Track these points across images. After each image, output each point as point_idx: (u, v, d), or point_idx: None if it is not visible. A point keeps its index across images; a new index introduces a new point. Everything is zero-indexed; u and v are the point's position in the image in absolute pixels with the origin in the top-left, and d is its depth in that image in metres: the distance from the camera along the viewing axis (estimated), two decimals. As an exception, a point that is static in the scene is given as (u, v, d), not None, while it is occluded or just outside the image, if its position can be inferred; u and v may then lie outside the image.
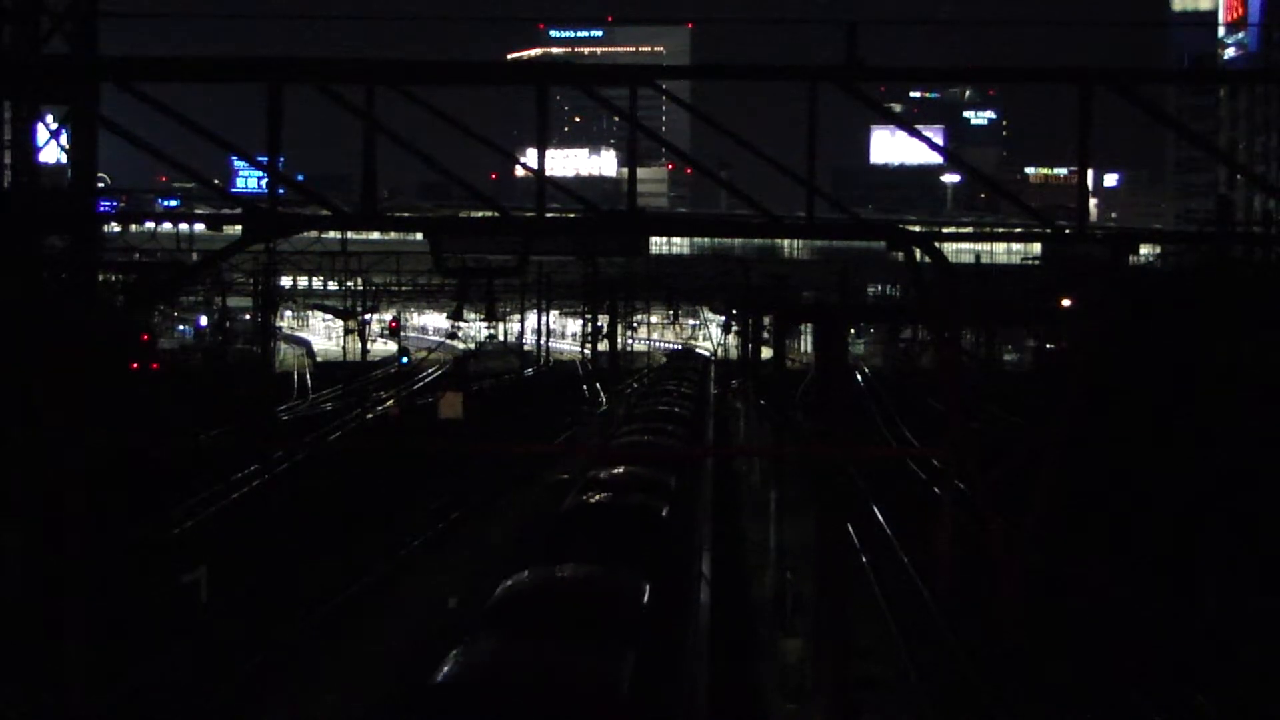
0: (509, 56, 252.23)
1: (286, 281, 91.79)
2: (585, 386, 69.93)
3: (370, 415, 61.37)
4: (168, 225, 65.48)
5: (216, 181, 18.16)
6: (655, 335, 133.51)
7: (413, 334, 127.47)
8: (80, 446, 13.71)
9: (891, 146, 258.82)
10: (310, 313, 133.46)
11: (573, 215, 15.37)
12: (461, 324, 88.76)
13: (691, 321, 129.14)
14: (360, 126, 13.75)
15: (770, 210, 14.76)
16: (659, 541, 23.30)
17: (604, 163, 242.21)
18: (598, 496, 26.08)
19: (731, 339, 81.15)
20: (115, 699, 20.01)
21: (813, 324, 58.44)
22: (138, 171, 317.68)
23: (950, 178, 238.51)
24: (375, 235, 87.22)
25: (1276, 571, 28.75)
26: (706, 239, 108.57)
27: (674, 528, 25.21)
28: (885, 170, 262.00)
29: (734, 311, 76.47)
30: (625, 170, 14.94)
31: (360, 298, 73.35)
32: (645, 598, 17.86)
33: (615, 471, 29.16)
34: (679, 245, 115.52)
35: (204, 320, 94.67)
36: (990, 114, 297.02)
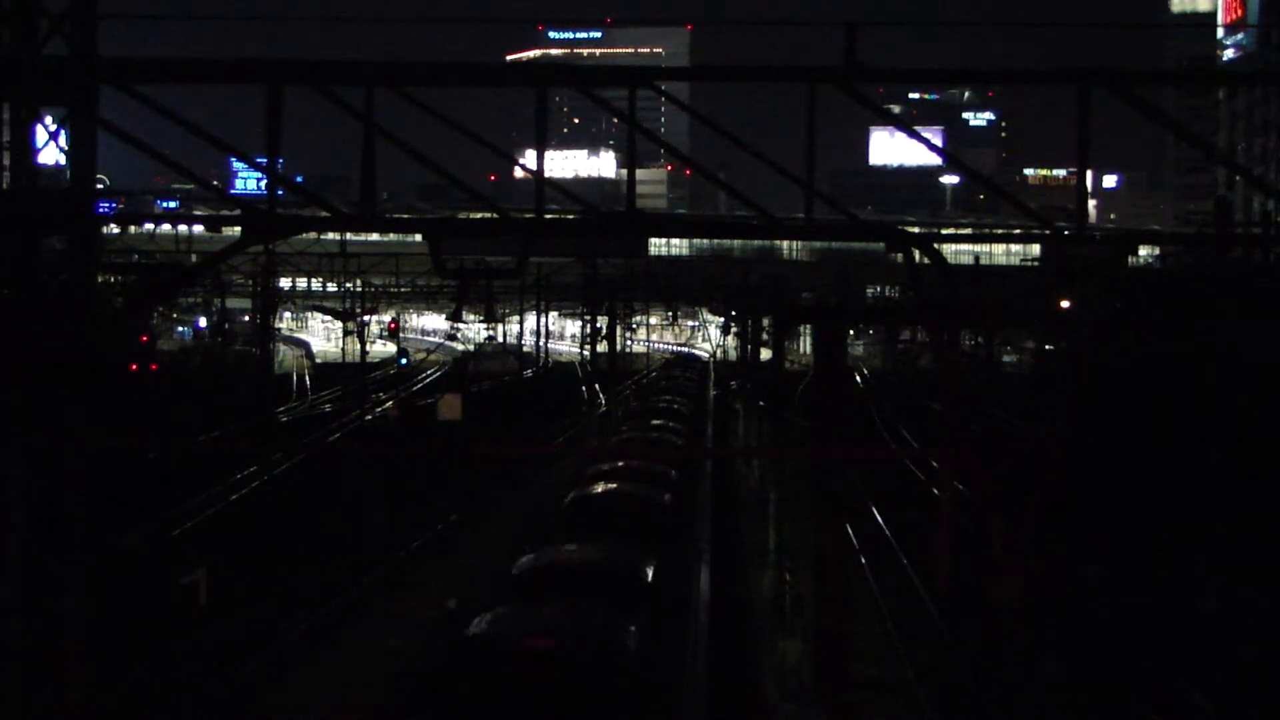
0: (508, 58, 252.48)
1: (285, 283, 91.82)
2: (585, 388, 69.84)
3: (369, 417, 61.39)
4: (166, 227, 65.72)
5: (215, 183, 18.16)
6: (654, 337, 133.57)
7: (412, 335, 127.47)
8: (80, 448, 13.70)
9: (890, 148, 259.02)
10: (309, 314, 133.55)
11: (572, 217, 15.37)
12: (460, 325, 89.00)
13: (691, 323, 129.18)
14: (359, 128, 13.75)
15: (769, 211, 14.76)
16: (622, 699, 16.06)
17: (603, 164, 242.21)
18: (530, 617, 17.38)
19: (731, 340, 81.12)
20: (115, 699, 20.01)
21: (812, 325, 58.47)
22: (136, 173, 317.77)
23: (949, 179, 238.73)
24: (374, 237, 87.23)
25: (1276, 570, 28.76)
26: (706, 240, 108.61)
27: (646, 668, 17.26)
28: (884, 171, 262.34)
29: (733, 313, 76.54)
30: (624, 171, 14.89)
31: (359, 299, 73.35)
32: None
33: (569, 555, 21.21)
34: (678, 246, 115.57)
35: (203, 322, 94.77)
36: (989, 115, 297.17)
